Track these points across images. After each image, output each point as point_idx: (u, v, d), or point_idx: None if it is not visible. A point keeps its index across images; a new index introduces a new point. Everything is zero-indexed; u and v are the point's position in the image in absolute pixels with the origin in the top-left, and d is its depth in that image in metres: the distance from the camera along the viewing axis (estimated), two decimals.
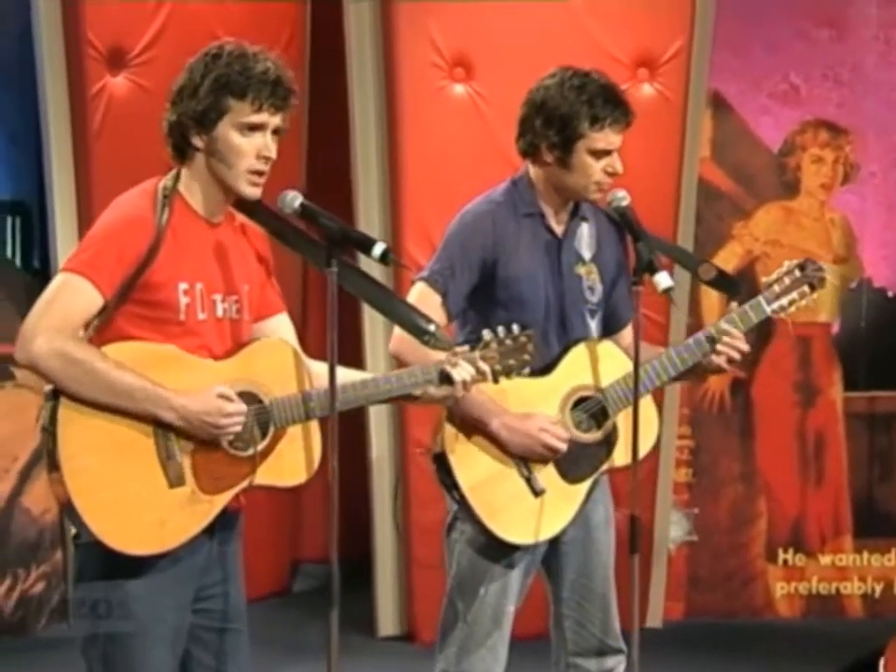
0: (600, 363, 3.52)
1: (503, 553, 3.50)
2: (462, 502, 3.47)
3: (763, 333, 5.98)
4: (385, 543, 5.78)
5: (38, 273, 6.18)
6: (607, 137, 3.48)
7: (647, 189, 4.69)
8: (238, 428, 2.91)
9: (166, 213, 2.93)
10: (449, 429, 3.46)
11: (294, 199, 3.02)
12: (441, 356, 3.14)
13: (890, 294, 6.16)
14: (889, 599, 6.14)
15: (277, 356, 3.02)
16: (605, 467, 3.55)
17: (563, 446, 3.46)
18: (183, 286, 2.94)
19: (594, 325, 3.61)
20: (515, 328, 3.17)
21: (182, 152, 2.98)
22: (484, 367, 3.13)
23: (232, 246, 3.04)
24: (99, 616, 2.94)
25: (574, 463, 3.50)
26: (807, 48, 6.04)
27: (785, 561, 6.12)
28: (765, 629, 6.01)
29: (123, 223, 2.93)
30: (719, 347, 3.52)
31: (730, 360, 3.54)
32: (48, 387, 2.88)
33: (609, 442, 3.53)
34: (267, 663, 4.84)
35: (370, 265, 3.36)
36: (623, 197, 3.56)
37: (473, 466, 3.45)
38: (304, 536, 6.55)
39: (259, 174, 2.95)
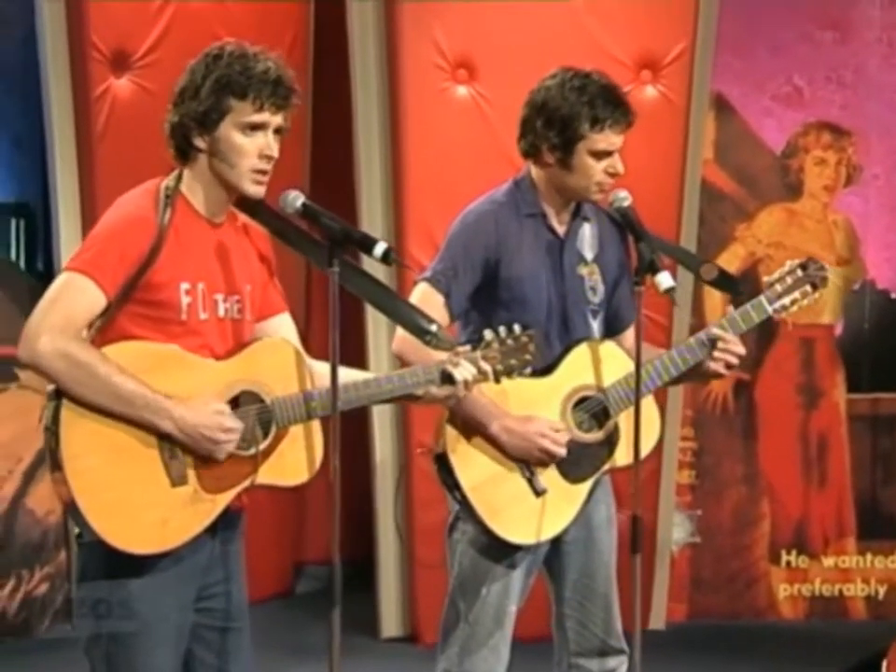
0: (602, 363, 3.52)
1: (505, 554, 3.51)
2: (464, 502, 3.47)
3: (765, 335, 5.99)
4: (387, 545, 5.79)
5: (42, 275, 6.19)
6: (608, 138, 3.49)
7: (650, 191, 4.70)
8: (232, 447, 2.91)
9: (168, 213, 2.94)
10: (450, 430, 3.46)
11: (296, 199, 3.03)
12: (442, 355, 3.14)
13: (893, 296, 6.16)
14: (893, 601, 6.14)
15: (279, 355, 3.02)
16: (606, 467, 3.55)
17: (562, 452, 3.46)
18: (185, 285, 2.95)
19: (595, 325, 3.61)
20: (517, 328, 3.18)
21: (184, 153, 2.99)
22: (486, 367, 3.14)
23: (234, 246, 3.05)
24: (102, 615, 2.95)
25: (575, 463, 3.50)
26: (810, 50, 6.04)
27: (788, 563, 6.12)
28: (768, 631, 6.01)
29: (126, 223, 2.93)
30: (715, 354, 3.52)
31: (728, 366, 3.55)
32: (50, 387, 2.89)
33: (610, 442, 3.53)
34: (270, 664, 4.84)
35: (372, 266, 3.37)
36: (624, 197, 3.56)
37: (474, 466, 3.46)
38: (307, 537, 6.55)
39: (262, 173, 2.96)
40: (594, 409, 3.52)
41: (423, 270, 3.61)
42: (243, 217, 3.10)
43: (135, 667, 2.95)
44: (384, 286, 3.28)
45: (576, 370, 3.52)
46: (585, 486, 3.53)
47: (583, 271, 3.60)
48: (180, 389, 2.90)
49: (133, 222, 2.93)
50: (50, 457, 2.87)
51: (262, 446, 2.96)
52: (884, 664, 4.50)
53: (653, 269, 3.42)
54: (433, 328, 3.13)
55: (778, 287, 3.60)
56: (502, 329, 3.17)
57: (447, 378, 3.10)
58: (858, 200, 6.14)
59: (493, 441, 3.46)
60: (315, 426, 3.02)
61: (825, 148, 6.09)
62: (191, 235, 2.98)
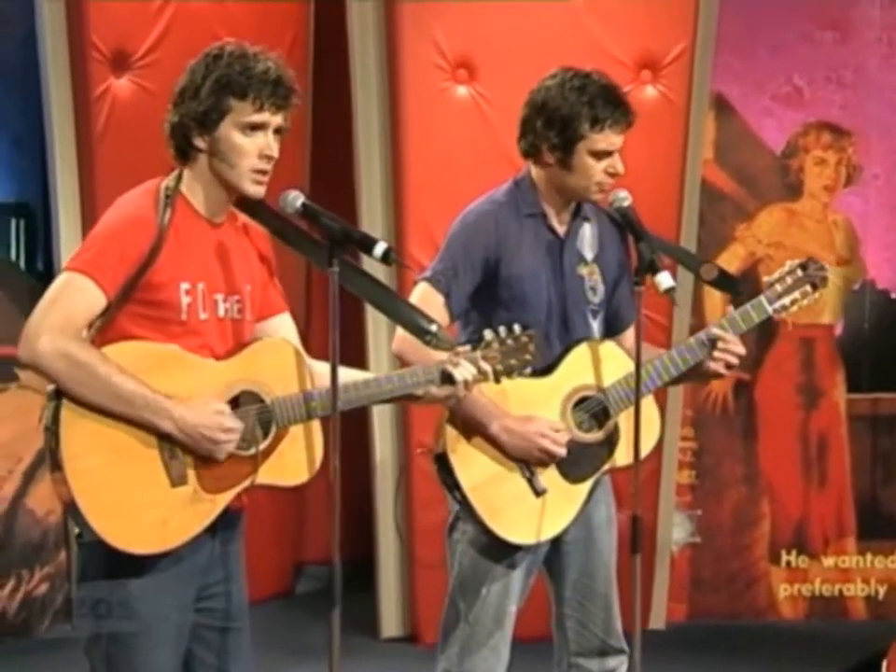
0: (602, 363, 3.52)
1: (505, 553, 3.51)
2: (463, 502, 3.47)
3: (765, 335, 5.99)
4: (388, 545, 5.79)
5: (42, 275, 6.19)
6: (607, 138, 3.48)
7: (650, 191, 4.70)
8: (232, 447, 2.91)
9: (168, 213, 2.94)
10: (450, 430, 3.46)
11: (296, 199, 3.03)
12: (442, 355, 3.14)
13: (893, 296, 6.16)
14: (893, 601, 6.14)
15: (279, 355, 3.02)
16: (606, 467, 3.55)
17: (562, 452, 3.46)
18: (185, 285, 2.95)
19: (595, 325, 3.61)
20: (517, 328, 3.18)
21: (184, 153, 2.99)
22: (486, 366, 3.14)
23: (234, 246, 3.05)
24: (102, 615, 2.95)
25: (575, 463, 3.50)
26: (811, 50, 6.04)
27: (788, 563, 6.12)
28: (768, 631, 6.01)
29: (126, 223, 2.93)
30: (715, 354, 3.52)
31: (728, 366, 3.55)
32: (50, 387, 2.89)
33: (610, 442, 3.53)
34: (270, 664, 4.84)
35: (373, 266, 3.37)
36: (624, 197, 3.56)
37: (474, 466, 3.46)
38: (308, 538, 6.55)
39: (262, 173, 2.96)
40: (594, 409, 3.52)
41: (423, 270, 3.61)
42: (243, 217, 3.10)
43: (135, 667, 2.96)
44: (383, 285, 3.28)
45: (576, 370, 3.52)
46: (585, 486, 3.53)
47: (583, 271, 3.60)
48: (180, 389, 2.90)
49: (133, 222, 2.93)
50: (50, 457, 2.87)
51: (262, 446, 2.96)
52: (884, 664, 4.50)
53: (653, 269, 3.42)
54: (433, 328, 3.13)
55: (778, 287, 3.60)
56: (502, 329, 3.17)
57: (447, 378, 3.10)
58: (858, 200, 6.14)
59: (493, 441, 3.45)
60: (315, 426, 3.02)
61: (825, 148, 6.10)
62: (191, 235, 2.98)
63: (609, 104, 3.48)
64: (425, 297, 3.46)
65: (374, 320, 5.50)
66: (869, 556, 6.14)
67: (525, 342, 3.18)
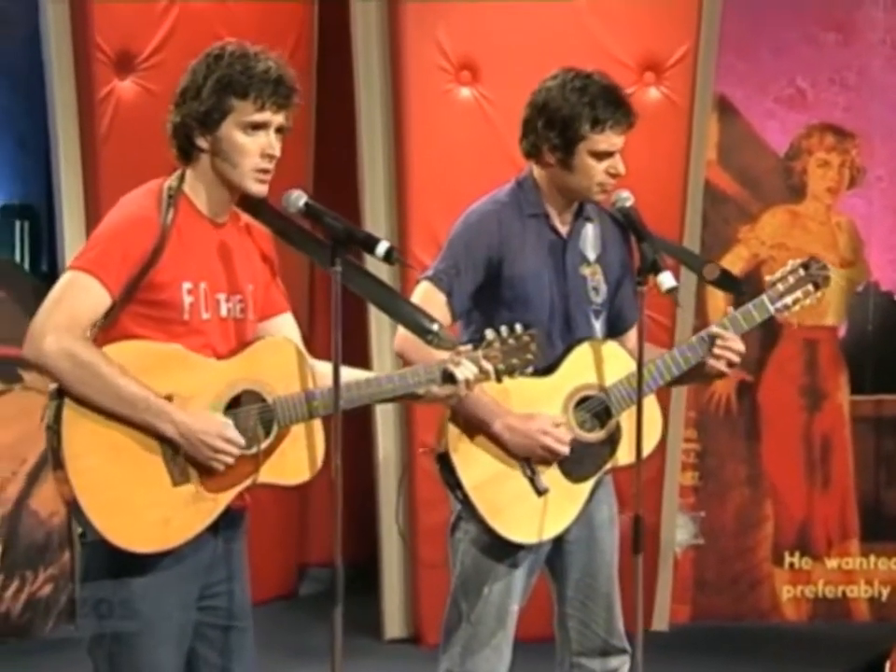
0: (604, 363, 3.53)
1: (507, 553, 3.51)
2: (465, 502, 3.47)
3: (769, 337, 5.99)
4: (391, 545, 5.79)
5: (46, 276, 6.20)
6: (608, 139, 3.49)
7: (653, 193, 4.71)
8: (230, 460, 2.91)
9: (171, 213, 2.95)
10: (452, 429, 3.46)
11: (298, 198, 3.04)
12: (444, 355, 3.15)
13: None
14: None
15: (280, 354, 3.03)
16: (608, 466, 3.55)
17: (564, 449, 3.46)
18: (187, 285, 2.95)
19: (598, 325, 3.61)
20: (518, 327, 3.18)
21: (187, 153, 3.00)
22: (487, 366, 3.14)
23: (237, 246, 3.06)
24: (104, 614, 2.95)
25: (577, 462, 3.50)
26: (814, 52, 6.04)
27: (791, 564, 6.12)
28: (772, 632, 6.01)
29: (129, 222, 2.94)
30: (715, 351, 3.52)
31: (730, 363, 3.55)
32: (52, 386, 2.90)
33: (612, 442, 3.53)
34: (273, 665, 4.83)
35: (376, 266, 3.37)
36: (626, 198, 3.56)
37: (476, 465, 3.46)
38: (311, 540, 6.56)
39: (265, 172, 2.97)
40: (595, 408, 3.52)
41: (425, 270, 3.61)
42: (245, 217, 3.11)
43: (138, 666, 2.96)
44: (385, 285, 3.28)
45: (578, 369, 3.52)
46: (587, 486, 3.53)
47: (586, 271, 3.61)
48: (182, 388, 2.90)
49: (136, 222, 2.94)
50: (52, 456, 2.88)
51: (264, 445, 2.96)
52: (887, 665, 4.51)
53: (655, 269, 3.42)
54: (435, 327, 3.13)
55: (780, 287, 3.60)
56: (504, 329, 3.17)
57: (448, 377, 3.10)
58: (861, 202, 6.14)
59: (495, 440, 3.46)
60: (317, 425, 3.03)
61: (828, 150, 6.10)
62: (194, 235, 2.98)
63: (610, 104, 3.49)
64: (427, 296, 3.46)
65: (378, 320, 5.51)
66: (872, 558, 6.13)
67: (526, 341, 3.18)
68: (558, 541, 3.57)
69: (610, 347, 3.57)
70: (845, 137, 6.09)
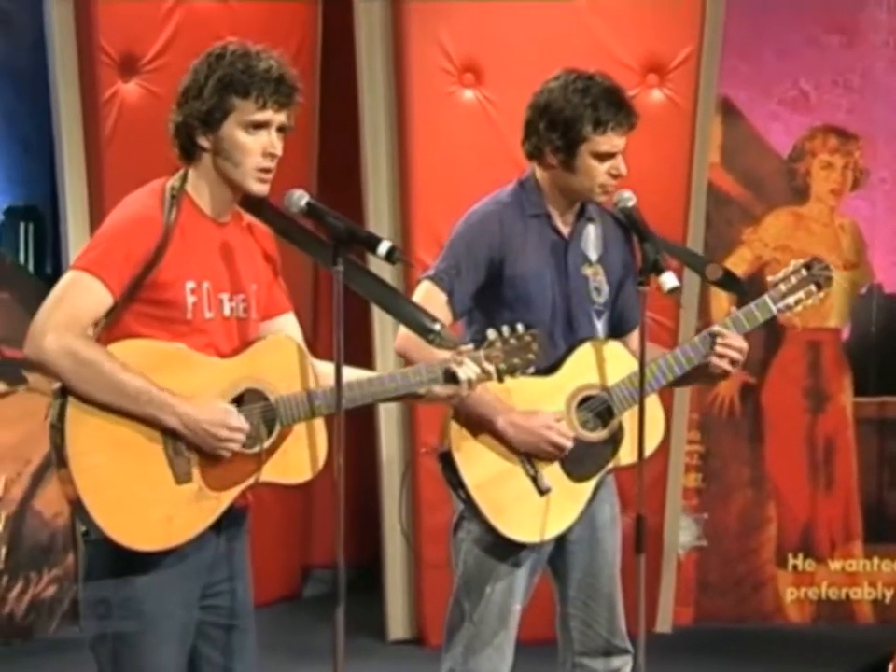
0: (606, 363, 3.53)
1: (509, 552, 3.51)
2: (468, 501, 3.48)
3: (772, 339, 5.99)
4: (394, 546, 5.79)
5: (51, 278, 6.19)
6: (610, 140, 3.49)
7: (656, 195, 4.72)
8: (237, 446, 2.92)
9: (174, 212, 2.95)
10: (455, 428, 3.46)
11: (300, 198, 3.04)
12: (446, 354, 3.15)
13: None
14: None
15: (282, 353, 3.03)
16: (610, 465, 3.56)
17: (568, 444, 3.47)
18: (190, 284, 2.96)
19: (600, 325, 3.62)
20: (520, 327, 3.19)
21: (189, 153, 3.00)
22: (489, 366, 3.15)
23: (239, 246, 3.06)
24: (107, 613, 2.96)
25: (579, 462, 3.51)
26: (817, 54, 6.05)
27: (795, 566, 6.11)
28: (775, 634, 6.00)
29: (132, 222, 2.95)
30: (717, 349, 3.52)
31: (733, 362, 3.55)
32: (56, 384, 2.90)
33: (614, 441, 3.54)
34: (276, 667, 4.85)
35: (379, 266, 3.38)
36: (629, 198, 3.56)
37: (479, 464, 3.47)
38: (315, 542, 6.56)
39: (266, 171, 2.97)
40: (598, 408, 3.53)
41: (427, 269, 3.62)
42: (248, 217, 3.11)
43: (141, 665, 2.97)
44: (387, 284, 3.28)
45: (580, 369, 3.52)
46: (589, 485, 3.54)
47: (588, 271, 3.61)
48: (185, 387, 2.91)
49: (139, 221, 2.95)
50: (56, 454, 2.88)
51: (266, 444, 2.97)
52: (890, 667, 4.50)
53: (657, 269, 3.42)
54: (436, 326, 3.14)
55: (783, 287, 3.60)
56: (505, 329, 3.18)
57: (450, 377, 3.11)
58: (865, 203, 6.14)
59: (499, 437, 3.46)
60: (319, 424, 3.04)
61: (832, 152, 6.10)
62: (197, 235, 2.99)
63: (611, 105, 3.49)
64: (427, 295, 3.47)
65: (381, 320, 5.51)
66: (876, 560, 6.13)
67: (528, 341, 3.19)
68: (560, 541, 3.57)
69: (612, 347, 3.58)
70: (848, 139, 6.10)
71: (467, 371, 3.11)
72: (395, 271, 5.00)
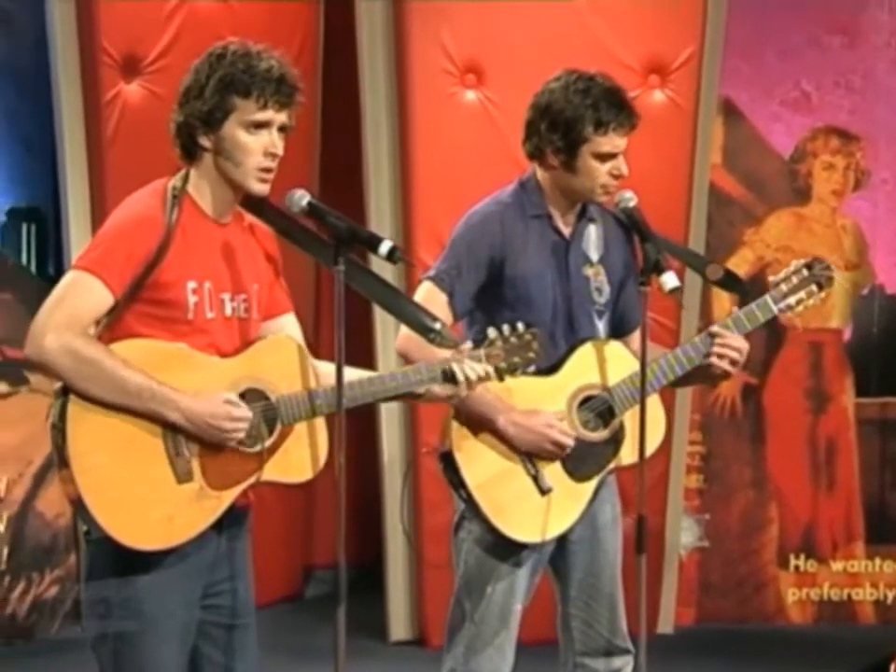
0: (607, 363, 3.53)
1: (510, 552, 3.51)
2: (469, 500, 3.48)
3: (774, 339, 6.00)
4: (396, 546, 5.79)
5: (53, 279, 6.19)
6: (612, 141, 3.49)
7: (658, 196, 4.72)
8: (241, 435, 2.92)
9: (175, 212, 2.96)
10: (456, 428, 3.47)
11: (301, 197, 3.04)
12: (447, 354, 3.15)
13: None
14: None
15: (283, 352, 3.04)
16: (612, 465, 3.56)
17: (570, 442, 3.47)
18: (191, 284, 2.96)
19: (601, 326, 3.62)
20: (520, 326, 3.19)
21: (190, 153, 3.01)
22: (488, 368, 3.15)
23: (241, 246, 3.07)
24: (109, 612, 2.96)
25: (581, 461, 3.51)
26: (819, 55, 6.05)
27: (797, 567, 6.11)
28: (777, 635, 6.00)
29: (133, 222, 2.95)
30: (715, 349, 3.52)
31: (733, 362, 3.55)
32: (57, 384, 2.90)
33: (616, 441, 3.54)
34: (277, 667, 4.85)
35: (381, 266, 3.38)
36: (630, 198, 3.56)
37: (480, 464, 3.47)
38: (317, 542, 6.56)
39: (268, 171, 2.97)
40: (599, 408, 3.53)
41: (428, 270, 3.62)
42: (249, 217, 3.12)
43: (142, 664, 2.97)
44: (388, 284, 3.28)
45: (581, 369, 3.52)
46: (590, 485, 3.54)
47: (589, 271, 3.61)
48: (186, 387, 2.91)
49: (140, 221, 2.95)
50: (57, 454, 2.89)
51: (268, 443, 2.97)
52: (892, 668, 4.51)
53: (658, 269, 3.42)
54: (437, 325, 3.14)
55: (784, 287, 3.60)
56: (506, 327, 3.18)
57: (450, 377, 3.11)
58: (866, 204, 6.14)
59: (500, 437, 3.46)
60: (320, 424, 3.04)
61: (833, 153, 6.10)
62: (198, 235, 2.99)
63: (612, 106, 3.49)
64: (428, 296, 3.47)
65: (382, 321, 5.52)
66: (878, 560, 6.13)
67: (528, 339, 3.19)
68: (561, 541, 3.57)
69: (613, 347, 3.58)
70: (850, 140, 6.10)
71: (467, 370, 3.11)
72: (396, 271, 5.00)
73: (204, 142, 2.98)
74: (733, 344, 3.53)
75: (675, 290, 3.42)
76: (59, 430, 2.87)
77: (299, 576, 6.48)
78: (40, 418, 5.42)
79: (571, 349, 3.54)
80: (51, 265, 6.39)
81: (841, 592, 6.12)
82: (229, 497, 2.95)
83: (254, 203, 3.07)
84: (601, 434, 3.53)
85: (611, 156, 3.51)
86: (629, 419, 3.51)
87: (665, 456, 5.51)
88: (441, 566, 4.30)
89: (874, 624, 6.11)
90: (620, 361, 3.54)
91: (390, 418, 5.71)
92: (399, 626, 5.82)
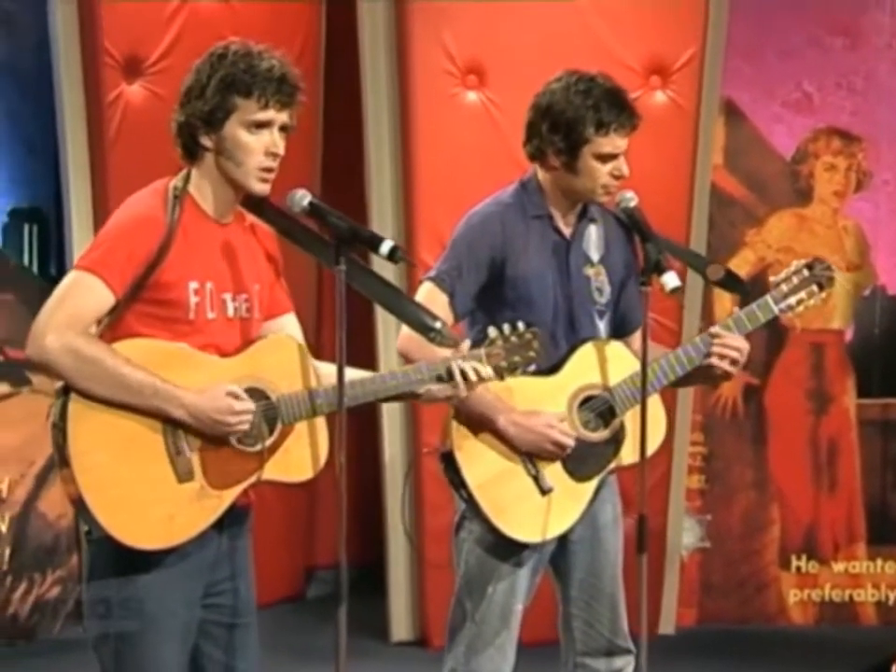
0: (608, 363, 3.53)
1: (511, 552, 3.52)
2: (470, 500, 3.48)
3: (775, 340, 6.00)
4: (397, 547, 5.80)
5: (55, 280, 6.18)
6: (613, 142, 3.49)
7: (659, 197, 4.72)
8: (246, 427, 2.93)
9: (177, 212, 2.96)
10: (456, 428, 3.47)
11: (303, 197, 3.05)
12: (447, 354, 3.16)
13: None
14: None
15: (283, 352, 3.04)
16: (612, 465, 3.56)
17: (570, 442, 3.47)
18: (193, 285, 2.97)
19: (602, 326, 3.62)
20: (521, 325, 3.19)
21: (191, 153, 3.01)
22: (487, 369, 3.14)
23: (242, 246, 3.07)
24: (110, 612, 2.96)
25: (581, 461, 3.51)
26: (821, 56, 6.05)
27: (798, 568, 6.11)
28: (778, 636, 6.00)
29: (135, 222, 2.96)
30: (714, 350, 3.52)
31: (733, 362, 3.55)
32: (58, 384, 2.91)
33: (616, 441, 3.54)
34: (278, 667, 4.85)
35: (382, 266, 3.38)
36: (630, 198, 3.56)
37: (481, 464, 3.47)
38: (319, 543, 6.56)
39: (269, 170, 2.98)
40: (599, 408, 3.53)
41: (429, 270, 3.62)
42: (250, 217, 3.12)
43: (143, 663, 2.97)
44: (389, 284, 3.29)
45: (582, 369, 3.53)
46: (591, 485, 3.54)
47: (589, 272, 3.61)
48: (187, 386, 2.91)
49: (142, 221, 2.95)
50: (58, 454, 2.89)
51: (268, 442, 2.97)
52: (894, 668, 4.51)
53: (659, 269, 3.43)
54: (438, 324, 3.14)
55: (784, 287, 3.60)
56: (506, 327, 3.18)
57: (450, 376, 3.11)
58: (868, 205, 6.14)
59: (500, 437, 3.47)
60: (320, 423, 3.04)
61: (835, 154, 6.10)
62: (199, 235, 3.00)
63: (613, 107, 3.49)
64: (429, 296, 3.47)
65: (384, 321, 5.52)
66: (879, 562, 6.13)
67: (529, 339, 3.19)
68: (562, 541, 3.58)
69: (614, 347, 3.58)
70: (851, 141, 6.10)
71: (467, 369, 3.11)
72: (397, 271, 5.01)
73: (206, 142, 2.98)
74: (733, 345, 3.54)
75: (676, 290, 3.42)
76: (59, 429, 2.88)
77: (300, 576, 6.49)
78: (42, 419, 5.40)
79: (572, 349, 3.54)
80: (53, 266, 6.40)
81: (842, 593, 6.12)
82: (229, 496, 2.96)
83: (255, 203, 3.07)
84: (602, 434, 3.53)
85: (612, 157, 3.51)
86: (630, 419, 3.51)
87: (666, 457, 5.52)
88: (443, 566, 4.31)
89: (875, 625, 6.11)
90: (620, 361, 3.55)
91: (391, 418, 5.71)
92: (401, 627, 5.83)
